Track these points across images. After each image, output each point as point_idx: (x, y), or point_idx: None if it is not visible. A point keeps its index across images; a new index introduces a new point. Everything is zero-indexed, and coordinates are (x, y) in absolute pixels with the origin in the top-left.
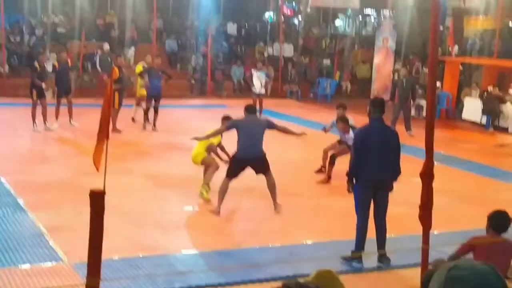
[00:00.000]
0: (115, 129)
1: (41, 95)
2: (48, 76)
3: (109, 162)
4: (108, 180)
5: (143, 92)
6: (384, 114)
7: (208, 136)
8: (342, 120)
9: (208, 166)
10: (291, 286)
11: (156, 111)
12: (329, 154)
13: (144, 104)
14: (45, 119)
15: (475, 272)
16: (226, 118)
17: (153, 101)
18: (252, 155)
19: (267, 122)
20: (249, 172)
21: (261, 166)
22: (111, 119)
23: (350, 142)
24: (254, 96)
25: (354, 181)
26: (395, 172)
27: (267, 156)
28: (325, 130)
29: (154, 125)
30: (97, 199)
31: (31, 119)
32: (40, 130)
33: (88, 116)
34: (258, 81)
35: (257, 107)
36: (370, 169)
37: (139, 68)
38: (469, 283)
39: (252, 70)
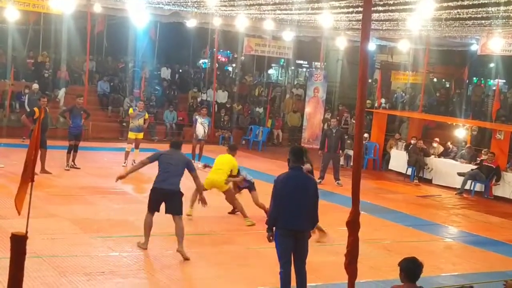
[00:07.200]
0: (44, 171)
1: None
2: None
3: (33, 205)
4: (31, 223)
5: (131, 135)
6: (304, 163)
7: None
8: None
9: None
10: None
11: (75, 150)
12: None
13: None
14: None
15: None
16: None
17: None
18: (167, 187)
19: (188, 162)
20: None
21: (173, 203)
22: (40, 160)
23: None
24: (194, 141)
25: (274, 229)
26: (313, 220)
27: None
28: None
29: (73, 161)
30: (18, 243)
31: None
32: None
33: (13, 157)
34: (202, 127)
35: (197, 152)
36: (289, 218)
37: (130, 111)
38: None
39: (196, 116)
